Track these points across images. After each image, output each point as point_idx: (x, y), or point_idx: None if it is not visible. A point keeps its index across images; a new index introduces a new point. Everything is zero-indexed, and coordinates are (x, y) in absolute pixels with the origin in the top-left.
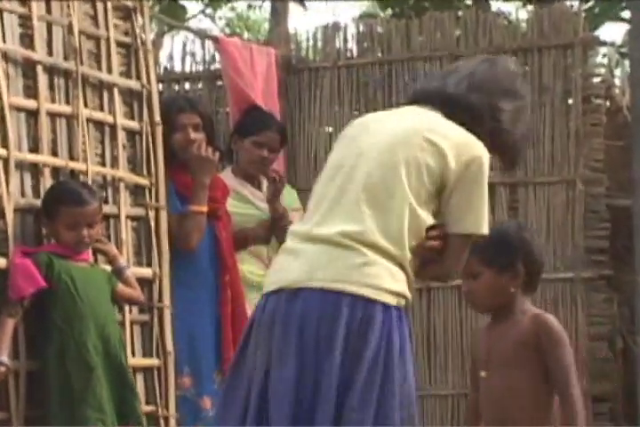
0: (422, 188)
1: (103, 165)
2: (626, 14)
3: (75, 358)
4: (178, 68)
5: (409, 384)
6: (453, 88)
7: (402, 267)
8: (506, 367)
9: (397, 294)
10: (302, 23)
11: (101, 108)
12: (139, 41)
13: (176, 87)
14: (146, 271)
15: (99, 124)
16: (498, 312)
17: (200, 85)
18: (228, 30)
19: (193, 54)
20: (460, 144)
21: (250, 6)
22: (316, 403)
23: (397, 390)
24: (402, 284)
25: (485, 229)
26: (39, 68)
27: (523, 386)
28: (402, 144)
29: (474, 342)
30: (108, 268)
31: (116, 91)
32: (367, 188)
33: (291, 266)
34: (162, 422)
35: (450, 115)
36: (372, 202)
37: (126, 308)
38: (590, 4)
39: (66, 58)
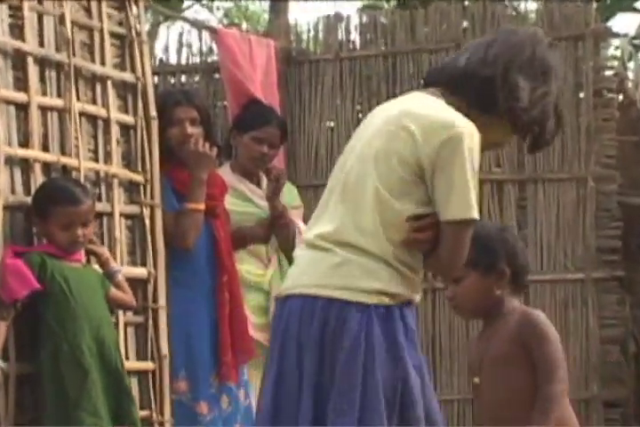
0: (395, 178)
1: (96, 160)
2: (639, 5)
3: (69, 360)
4: (174, 60)
5: (410, 386)
6: (464, 62)
7: (386, 263)
8: (497, 368)
9: (379, 293)
10: (303, 14)
11: (94, 102)
12: (133, 32)
13: (172, 80)
14: (140, 271)
15: (91, 119)
16: (487, 316)
17: (197, 78)
18: (226, 21)
19: (189, 46)
20: (434, 124)
21: None
22: (298, 411)
23: (384, 392)
24: (385, 281)
25: (473, 213)
26: (30, 60)
27: (515, 384)
28: (377, 136)
29: (468, 352)
30: (100, 270)
31: (109, 83)
32: (345, 185)
33: (290, 273)
34: None
35: (458, 95)
36: (347, 199)
37: None
38: None
39: (57, 49)
